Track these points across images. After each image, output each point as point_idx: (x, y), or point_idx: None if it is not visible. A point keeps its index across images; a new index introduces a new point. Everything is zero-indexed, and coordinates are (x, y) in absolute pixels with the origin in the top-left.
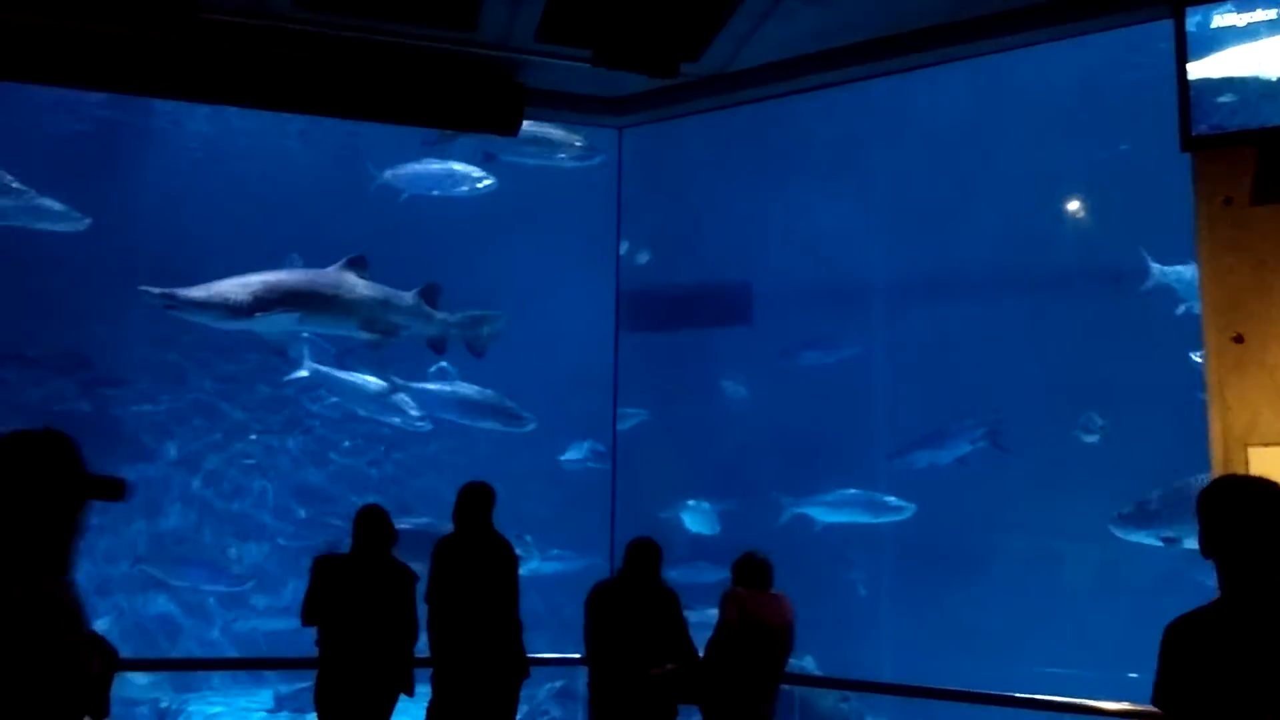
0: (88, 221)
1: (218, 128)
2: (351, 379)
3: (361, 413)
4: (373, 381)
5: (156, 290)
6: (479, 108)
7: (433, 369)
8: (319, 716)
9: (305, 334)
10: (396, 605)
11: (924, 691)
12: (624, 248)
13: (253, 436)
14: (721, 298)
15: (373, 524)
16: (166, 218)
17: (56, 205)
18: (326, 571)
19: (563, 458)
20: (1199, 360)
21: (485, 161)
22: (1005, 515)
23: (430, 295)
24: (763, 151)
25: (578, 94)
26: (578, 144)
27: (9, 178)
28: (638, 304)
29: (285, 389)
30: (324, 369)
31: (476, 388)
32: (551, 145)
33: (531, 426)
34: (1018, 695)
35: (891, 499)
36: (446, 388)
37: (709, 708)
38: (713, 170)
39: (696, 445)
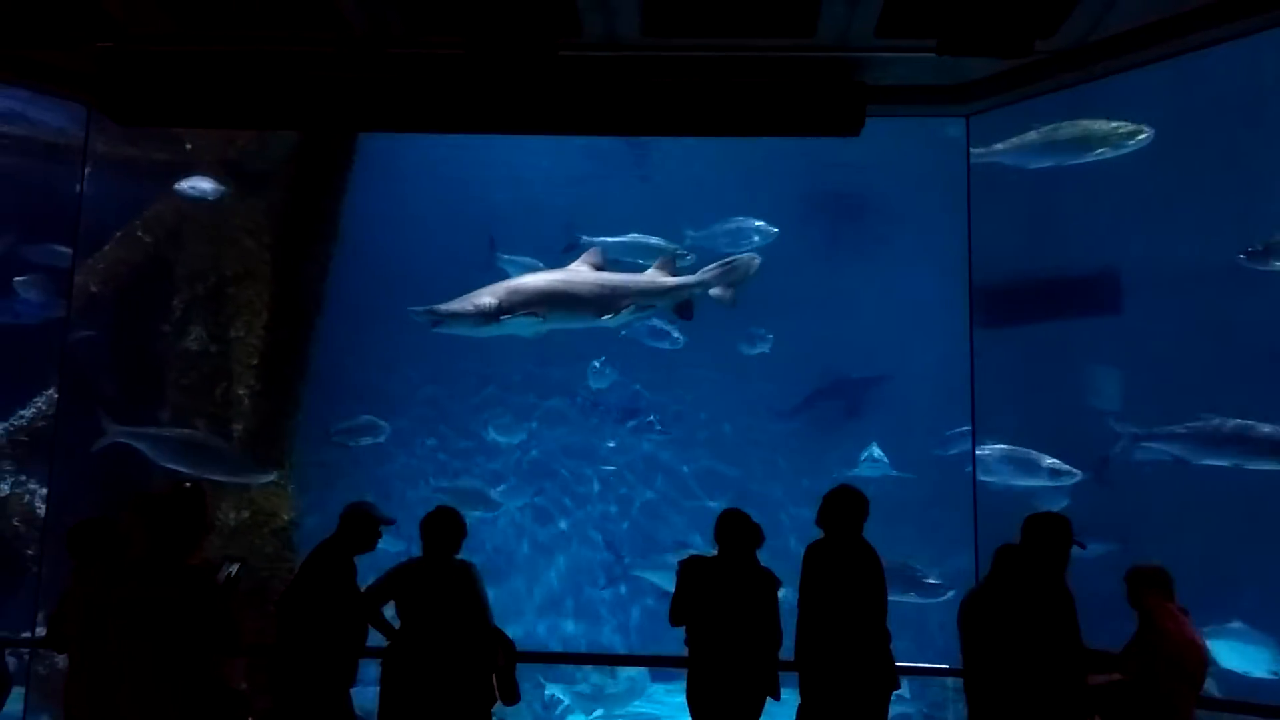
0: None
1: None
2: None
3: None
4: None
5: (421, 309)
6: (821, 111)
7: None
8: (691, 713)
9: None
10: (759, 608)
11: None
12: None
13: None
14: (1085, 286)
15: (736, 528)
16: None
17: (658, 241)
18: (693, 573)
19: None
20: None
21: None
22: None
23: (665, 267)
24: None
25: (919, 85)
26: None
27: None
28: (991, 298)
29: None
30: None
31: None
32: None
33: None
34: None
35: None
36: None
37: None
38: None
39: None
